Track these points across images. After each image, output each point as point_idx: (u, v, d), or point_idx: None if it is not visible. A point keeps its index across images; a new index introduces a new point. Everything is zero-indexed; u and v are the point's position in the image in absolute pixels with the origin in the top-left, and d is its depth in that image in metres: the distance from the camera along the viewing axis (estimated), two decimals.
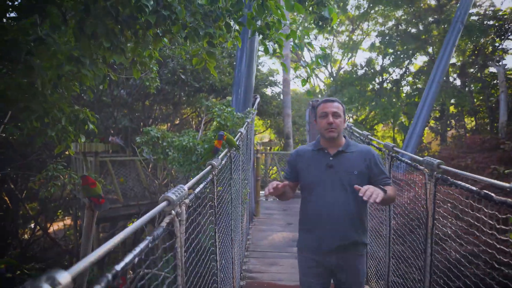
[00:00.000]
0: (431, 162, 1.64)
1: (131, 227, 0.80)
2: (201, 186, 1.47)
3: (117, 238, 0.69)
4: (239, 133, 3.01)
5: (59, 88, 2.04)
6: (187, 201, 1.20)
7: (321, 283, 1.64)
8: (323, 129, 1.65)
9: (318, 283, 1.64)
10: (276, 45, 2.06)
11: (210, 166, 1.76)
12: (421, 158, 1.76)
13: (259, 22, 1.98)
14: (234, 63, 7.13)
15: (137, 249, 0.72)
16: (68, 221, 11.36)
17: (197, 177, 1.48)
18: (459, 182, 1.38)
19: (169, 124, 10.40)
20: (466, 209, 1.47)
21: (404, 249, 2.28)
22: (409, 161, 2.03)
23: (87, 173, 4.13)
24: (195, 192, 1.39)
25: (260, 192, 5.73)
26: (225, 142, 2.48)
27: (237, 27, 1.99)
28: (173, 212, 1.04)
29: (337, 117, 1.63)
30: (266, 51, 2.02)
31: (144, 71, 2.47)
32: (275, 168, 9.28)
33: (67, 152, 6.68)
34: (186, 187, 1.18)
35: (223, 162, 2.08)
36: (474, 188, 1.27)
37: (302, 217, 1.72)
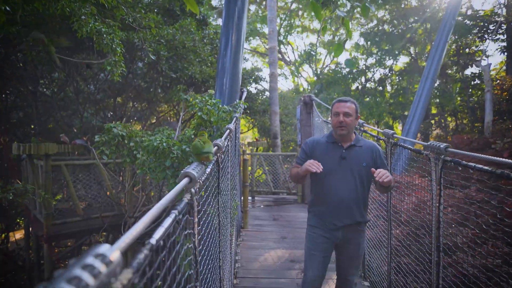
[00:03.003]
0: None
1: None
2: (167, 224, 0.74)
3: None
4: (227, 131, 2.30)
5: None
6: (123, 281, 0.47)
7: (323, 256, 1.93)
8: (335, 126, 1.89)
9: (320, 255, 1.93)
10: None
11: (186, 179, 1.03)
12: None
13: None
14: (216, 55, 6.35)
15: None
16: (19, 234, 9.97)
17: (157, 207, 0.75)
18: None
19: (144, 123, 9.46)
20: None
21: None
22: (497, 171, 1.38)
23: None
24: (153, 241, 0.67)
25: (248, 199, 5.01)
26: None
27: None
28: None
29: (348, 116, 1.85)
30: None
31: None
32: (259, 170, 8.56)
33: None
34: (115, 250, 0.46)
35: (208, 170, 1.36)
36: None
37: (315, 199, 1.98)
